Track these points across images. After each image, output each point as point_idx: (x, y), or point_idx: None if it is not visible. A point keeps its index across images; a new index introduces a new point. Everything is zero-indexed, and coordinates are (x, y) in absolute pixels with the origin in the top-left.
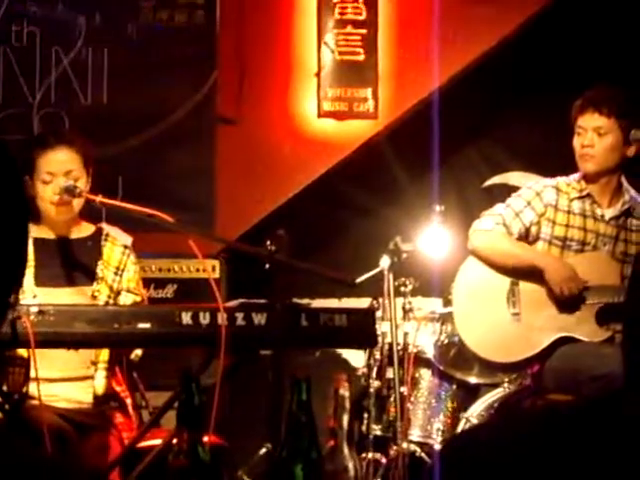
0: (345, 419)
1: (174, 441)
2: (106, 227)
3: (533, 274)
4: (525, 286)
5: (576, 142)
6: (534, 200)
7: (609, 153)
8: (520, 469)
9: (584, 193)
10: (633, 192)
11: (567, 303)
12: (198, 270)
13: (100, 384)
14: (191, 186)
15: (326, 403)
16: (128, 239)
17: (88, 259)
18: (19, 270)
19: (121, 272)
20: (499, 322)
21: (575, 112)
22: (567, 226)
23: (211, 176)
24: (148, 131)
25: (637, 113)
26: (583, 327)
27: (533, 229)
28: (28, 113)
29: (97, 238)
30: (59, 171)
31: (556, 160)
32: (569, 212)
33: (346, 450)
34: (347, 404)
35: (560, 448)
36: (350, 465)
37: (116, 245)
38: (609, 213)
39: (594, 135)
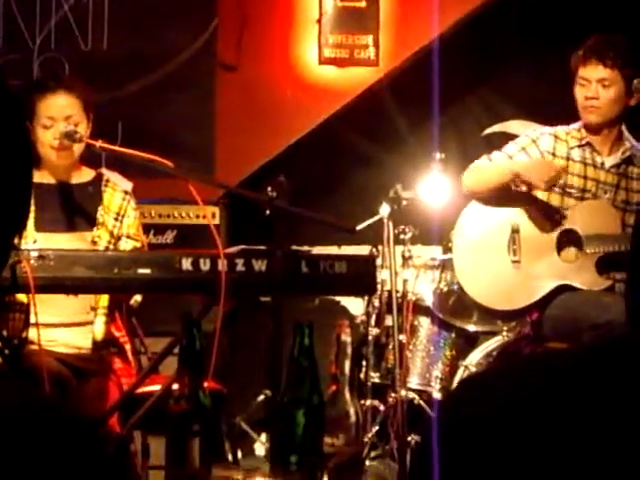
0: (347, 365)
1: (175, 386)
2: (106, 172)
3: (511, 179)
4: (525, 234)
5: (579, 93)
6: (529, 146)
7: (613, 104)
8: (522, 421)
9: (584, 142)
10: (633, 141)
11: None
12: (198, 216)
13: (99, 330)
14: (191, 132)
15: (326, 350)
16: (128, 184)
17: (88, 204)
18: (22, 214)
19: (121, 218)
20: (499, 270)
21: (576, 62)
22: (566, 173)
23: (211, 122)
24: (148, 77)
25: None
26: (583, 276)
27: None
28: (28, 58)
29: (97, 183)
30: (59, 115)
31: (557, 109)
32: (568, 159)
33: (347, 396)
34: (349, 350)
35: (563, 397)
36: (351, 411)
37: (116, 191)
38: (609, 161)
39: (598, 86)
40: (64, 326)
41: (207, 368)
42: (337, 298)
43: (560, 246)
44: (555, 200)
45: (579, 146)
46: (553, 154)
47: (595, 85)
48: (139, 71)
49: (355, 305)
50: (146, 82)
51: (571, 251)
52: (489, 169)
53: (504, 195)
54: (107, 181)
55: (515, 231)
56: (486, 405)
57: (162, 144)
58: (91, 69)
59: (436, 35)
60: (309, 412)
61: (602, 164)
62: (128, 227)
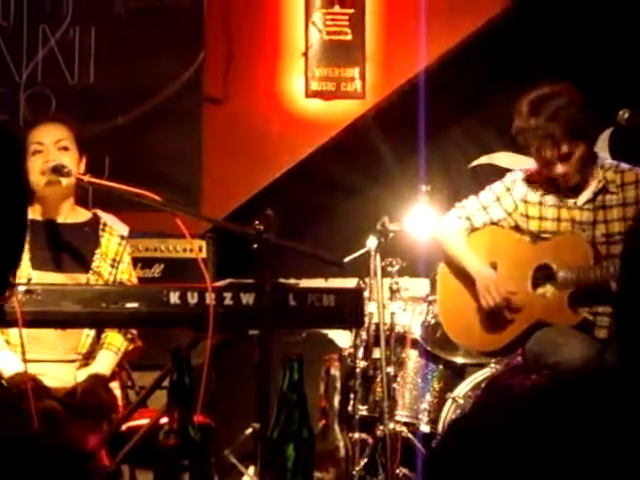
0: (336, 399)
1: (164, 420)
2: (103, 215)
3: (468, 277)
4: (502, 272)
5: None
6: (504, 196)
7: (582, 165)
8: (513, 461)
9: (554, 185)
10: (609, 161)
11: (493, 313)
12: (185, 250)
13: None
14: (178, 165)
15: (313, 383)
16: (125, 229)
17: (84, 246)
18: (18, 251)
19: (117, 264)
20: (477, 310)
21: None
22: (540, 219)
23: (198, 155)
24: (135, 110)
25: (592, 128)
26: (556, 312)
27: (503, 223)
28: (15, 92)
29: (94, 226)
30: (49, 140)
31: None
32: (541, 204)
33: (337, 430)
34: (338, 384)
35: (524, 441)
36: (341, 445)
37: (113, 235)
38: (583, 198)
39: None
40: (53, 362)
41: (196, 402)
42: (324, 331)
43: (536, 282)
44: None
45: (551, 188)
46: (525, 201)
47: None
48: (126, 104)
49: (342, 338)
50: (133, 116)
51: (547, 287)
52: (456, 251)
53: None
54: (104, 225)
55: (494, 268)
56: (468, 452)
57: (149, 177)
58: (78, 103)
59: (422, 67)
60: (299, 446)
61: (575, 203)
62: (122, 273)
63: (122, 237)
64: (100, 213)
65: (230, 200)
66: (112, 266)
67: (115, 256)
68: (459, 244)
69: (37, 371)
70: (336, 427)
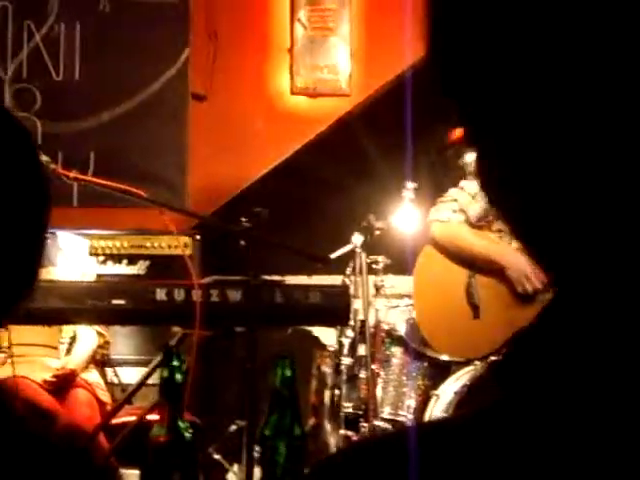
0: (327, 396)
1: (151, 417)
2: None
3: (492, 269)
4: (482, 278)
5: None
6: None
7: None
8: None
9: None
10: None
11: (529, 298)
12: (170, 247)
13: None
14: (163, 162)
15: (298, 379)
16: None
17: None
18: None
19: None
20: (458, 316)
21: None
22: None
23: (183, 152)
24: (119, 107)
25: None
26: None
27: (493, 212)
28: (0, 88)
29: None
30: None
31: None
32: None
33: (328, 427)
34: (329, 381)
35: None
36: (332, 441)
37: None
38: None
39: None
40: (39, 347)
41: (186, 399)
42: (309, 328)
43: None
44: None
45: None
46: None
47: None
48: (111, 101)
49: (327, 335)
50: (118, 112)
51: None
52: (468, 242)
53: (469, 263)
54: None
55: (471, 275)
56: None
57: (134, 174)
58: (63, 99)
59: (408, 64)
60: (291, 443)
61: None
62: None
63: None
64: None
65: (215, 197)
66: None
67: None
68: (470, 237)
69: (26, 357)
70: (327, 424)
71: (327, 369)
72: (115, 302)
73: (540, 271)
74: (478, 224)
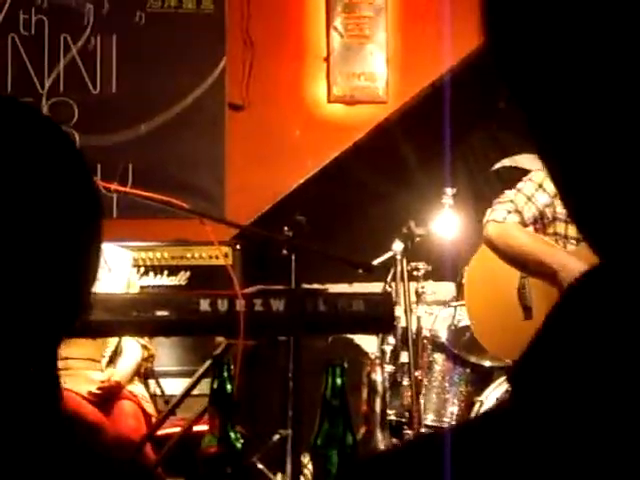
0: (378, 404)
1: (197, 428)
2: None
3: (543, 271)
4: (535, 280)
5: None
6: (545, 181)
7: None
8: None
9: None
10: None
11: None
12: (211, 257)
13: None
14: (201, 173)
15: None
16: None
17: None
18: (93, 276)
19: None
20: (510, 317)
21: None
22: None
23: (220, 163)
24: (157, 118)
25: None
26: None
27: (547, 211)
28: (37, 102)
29: None
30: None
31: None
32: None
33: (379, 435)
34: (380, 389)
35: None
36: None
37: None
38: None
39: None
40: (83, 360)
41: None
42: (350, 336)
43: None
44: (572, 232)
45: None
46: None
47: None
48: (148, 112)
49: (368, 342)
50: (155, 123)
51: None
52: (522, 243)
53: (522, 265)
54: None
55: (525, 277)
56: None
57: (172, 185)
58: (100, 112)
59: (445, 70)
60: (343, 453)
61: None
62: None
63: None
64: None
65: (253, 207)
66: None
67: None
68: (523, 237)
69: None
70: (378, 433)
71: (377, 377)
72: (159, 313)
73: None
74: (534, 226)
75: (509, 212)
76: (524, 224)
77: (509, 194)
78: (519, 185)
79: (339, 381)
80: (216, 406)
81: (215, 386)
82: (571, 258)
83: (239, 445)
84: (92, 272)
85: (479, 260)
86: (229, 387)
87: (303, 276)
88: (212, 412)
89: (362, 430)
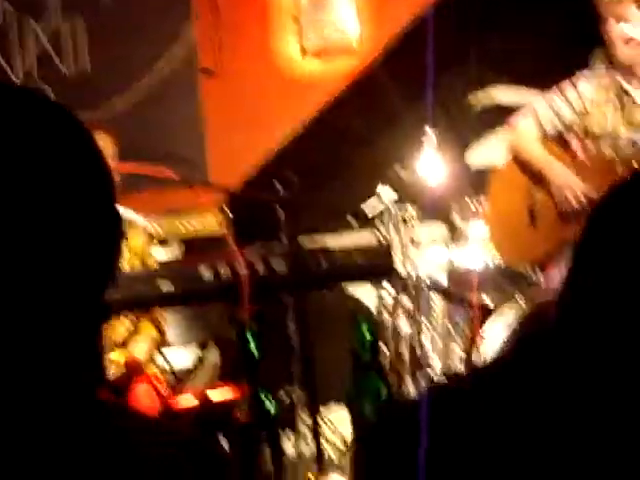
0: (406, 354)
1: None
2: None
3: (543, 181)
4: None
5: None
6: (569, 93)
7: None
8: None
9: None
10: None
11: (569, 215)
12: (205, 227)
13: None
14: (181, 142)
15: (341, 341)
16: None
17: None
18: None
19: None
20: (518, 222)
21: None
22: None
23: (200, 129)
24: (131, 92)
25: None
26: None
27: (576, 127)
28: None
29: None
30: None
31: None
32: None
33: (411, 381)
34: (406, 338)
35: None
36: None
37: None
38: None
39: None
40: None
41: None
42: (348, 288)
43: None
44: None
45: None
46: (592, 101)
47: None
48: (121, 87)
49: (366, 293)
50: (131, 97)
51: None
52: (529, 152)
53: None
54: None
55: (537, 190)
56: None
57: (153, 157)
58: (76, 92)
59: (413, 14)
60: (377, 403)
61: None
62: None
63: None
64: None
65: (237, 170)
66: None
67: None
68: (532, 146)
69: None
70: (409, 379)
71: (401, 323)
72: (163, 287)
73: (587, 195)
74: (554, 141)
75: (532, 125)
76: (545, 136)
77: (535, 104)
78: (546, 95)
79: (368, 335)
80: (244, 371)
81: (240, 351)
82: (568, 173)
83: (273, 409)
84: (115, 246)
85: (502, 172)
86: (254, 351)
87: (297, 231)
88: (242, 380)
89: (393, 379)
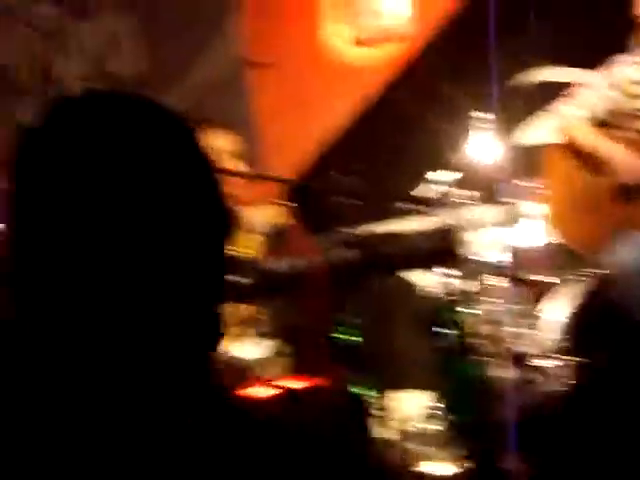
0: (499, 334)
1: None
2: None
3: (598, 163)
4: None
5: None
6: (616, 74)
7: None
8: None
9: None
10: None
11: (627, 195)
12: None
13: None
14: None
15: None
16: None
17: None
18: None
19: None
20: (576, 209)
21: None
22: None
23: (251, 123)
24: (186, 87)
25: None
26: None
27: (623, 108)
28: None
29: None
30: None
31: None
32: None
33: (506, 366)
34: (499, 318)
35: None
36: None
37: None
38: None
39: None
40: None
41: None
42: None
43: None
44: None
45: None
46: (635, 82)
47: None
48: (177, 83)
49: (425, 277)
50: (186, 94)
51: None
52: (582, 139)
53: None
54: None
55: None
56: None
57: None
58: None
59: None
60: (474, 390)
61: None
62: None
63: None
64: None
65: (289, 161)
66: None
67: None
68: (588, 132)
69: None
70: (504, 364)
71: (470, 309)
72: (240, 280)
73: None
74: (604, 125)
75: (578, 108)
76: (594, 121)
77: (580, 90)
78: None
79: (451, 320)
80: (347, 361)
81: (339, 339)
82: (628, 153)
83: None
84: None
85: (556, 154)
86: (353, 338)
87: (358, 220)
88: (337, 365)
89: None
